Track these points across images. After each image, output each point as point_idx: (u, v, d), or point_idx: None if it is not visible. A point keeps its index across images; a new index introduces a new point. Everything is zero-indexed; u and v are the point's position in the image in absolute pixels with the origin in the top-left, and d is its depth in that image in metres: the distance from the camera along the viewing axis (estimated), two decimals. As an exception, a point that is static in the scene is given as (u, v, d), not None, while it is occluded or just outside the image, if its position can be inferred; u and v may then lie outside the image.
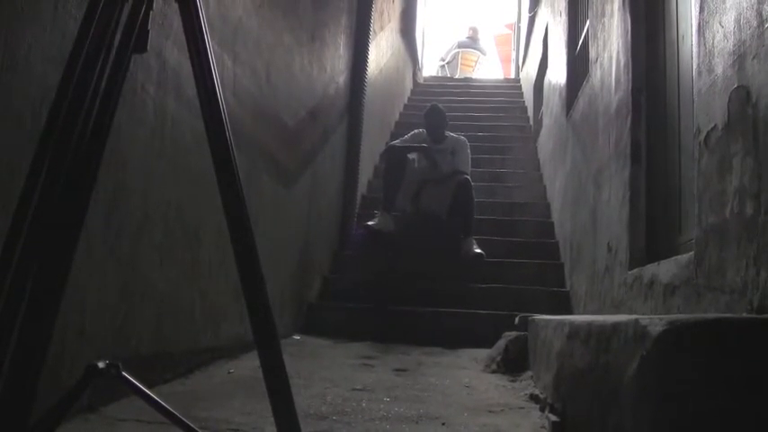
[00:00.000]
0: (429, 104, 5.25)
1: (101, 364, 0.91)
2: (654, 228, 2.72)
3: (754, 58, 1.60)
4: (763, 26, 1.55)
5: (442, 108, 5.12)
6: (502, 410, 2.21)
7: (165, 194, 2.27)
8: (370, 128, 5.92)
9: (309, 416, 1.96)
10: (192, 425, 1.03)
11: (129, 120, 1.97)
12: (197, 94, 0.92)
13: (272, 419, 0.91)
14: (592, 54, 3.86)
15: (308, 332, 4.02)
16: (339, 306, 4.37)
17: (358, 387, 2.48)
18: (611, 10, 3.32)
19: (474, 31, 14.28)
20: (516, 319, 3.33)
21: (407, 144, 5.05)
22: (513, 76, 13.13)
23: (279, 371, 0.92)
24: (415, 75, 10.28)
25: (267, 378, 0.91)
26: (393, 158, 5.02)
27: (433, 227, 4.92)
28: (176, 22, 2.14)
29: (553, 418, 1.93)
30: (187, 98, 2.30)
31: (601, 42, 3.58)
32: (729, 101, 1.73)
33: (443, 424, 1.98)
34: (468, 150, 5.09)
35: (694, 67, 2.04)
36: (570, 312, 4.13)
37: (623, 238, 2.86)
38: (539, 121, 7.25)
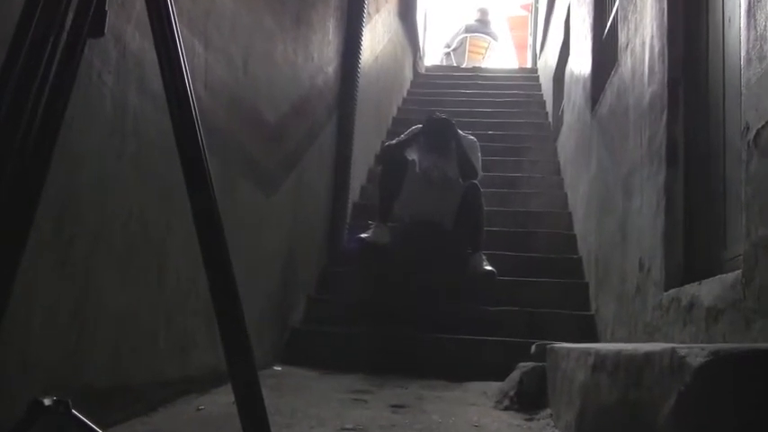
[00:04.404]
0: (431, 115, 5.17)
1: (47, 401, 0.91)
2: (694, 241, 2.72)
3: (809, 45, 1.60)
4: (820, 9, 1.56)
5: (445, 119, 5.06)
6: (517, 454, 2.20)
7: (126, 200, 2.26)
8: (364, 125, 5.93)
9: (292, 460, 1.95)
10: (154, 471, 1.02)
11: (83, 114, 1.96)
12: (163, 86, 0.92)
13: (249, 465, 0.90)
14: (621, 39, 3.87)
15: (291, 362, 4.01)
16: (327, 331, 4.35)
17: (348, 426, 2.47)
18: (644, -11, 3.33)
19: (484, 12, 14.34)
20: (533, 348, 3.33)
21: (406, 140, 5.04)
22: (529, 65, 13.21)
23: (256, 407, 0.92)
24: (415, 64, 10.31)
25: (242, 416, 0.91)
26: (391, 160, 5.02)
27: (435, 240, 4.91)
28: (139, 1, 2.14)
29: (576, 463, 1.92)
30: (152, 90, 2.30)
31: (632, 26, 3.59)
32: (781, 94, 1.74)
33: (448, 470, 1.98)
34: (479, 153, 5.08)
35: (742, 54, 2.05)
36: (595, 340, 4.12)
37: (658, 253, 2.86)
38: (559, 118, 7.27)
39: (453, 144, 4.93)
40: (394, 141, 5.22)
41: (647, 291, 3.01)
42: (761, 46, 1.89)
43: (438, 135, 4.95)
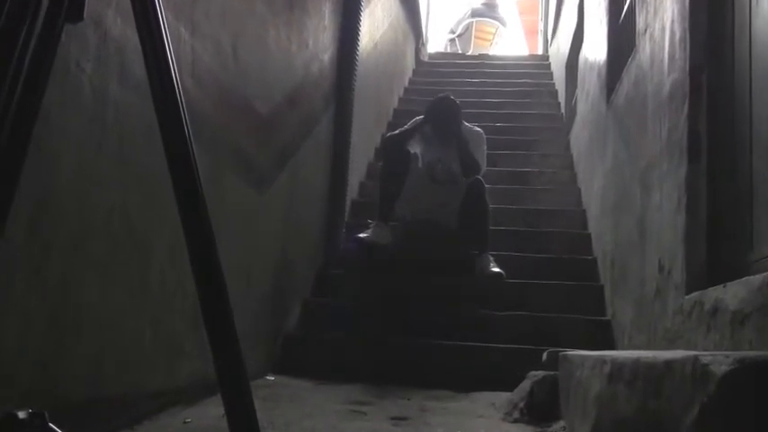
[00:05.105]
0: (437, 96, 5.20)
1: (21, 414, 0.90)
2: (717, 241, 2.72)
3: (841, 29, 1.60)
4: None
5: (453, 100, 5.07)
6: (527, 470, 2.21)
7: (108, 198, 2.26)
8: (363, 116, 5.92)
9: (286, 477, 1.95)
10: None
11: (60, 105, 1.96)
12: (147, 75, 0.92)
13: (240, 482, 0.90)
14: (640, 23, 3.87)
15: (285, 371, 4.01)
16: (323, 338, 4.35)
17: (347, 440, 2.47)
18: (663, -31, 3.33)
19: (491, -5, 14.35)
20: (544, 356, 3.33)
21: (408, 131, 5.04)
22: (540, 51, 13.21)
23: (248, 420, 0.92)
24: (418, 51, 10.31)
25: (233, 429, 0.91)
26: (392, 155, 5.01)
27: (439, 239, 4.91)
28: (121, -17, 2.14)
29: (592, 479, 1.92)
30: (134, 79, 2.29)
31: (651, 8, 3.59)
32: (811, 83, 1.73)
33: (454, 487, 1.98)
34: (485, 146, 5.08)
35: (769, 39, 2.05)
36: (612, 347, 4.12)
37: (679, 253, 2.86)
38: (572, 109, 7.27)
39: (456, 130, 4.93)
40: (396, 132, 5.22)
41: (668, 294, 3.00)
42: (790, 30, 1.89)
43: (441, 115, 4.94)
